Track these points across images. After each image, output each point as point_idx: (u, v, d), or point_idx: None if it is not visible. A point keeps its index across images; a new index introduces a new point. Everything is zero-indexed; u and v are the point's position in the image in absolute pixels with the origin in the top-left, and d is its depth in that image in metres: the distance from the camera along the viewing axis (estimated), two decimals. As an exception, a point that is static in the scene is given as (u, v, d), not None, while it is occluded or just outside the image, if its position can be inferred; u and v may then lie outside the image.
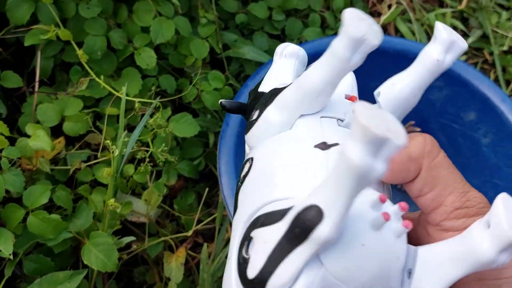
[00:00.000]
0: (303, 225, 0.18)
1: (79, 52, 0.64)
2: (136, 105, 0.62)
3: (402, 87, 0.30)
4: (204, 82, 0.75)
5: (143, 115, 0.69)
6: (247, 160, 0.27)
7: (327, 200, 0.18)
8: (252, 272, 0.21)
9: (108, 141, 0.57)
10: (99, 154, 0.66)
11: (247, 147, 0.31)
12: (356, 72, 0.75)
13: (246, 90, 0.66)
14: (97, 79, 0.64)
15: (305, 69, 0.28)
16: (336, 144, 0.24)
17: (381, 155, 0.16)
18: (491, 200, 0.22)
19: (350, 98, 0.29)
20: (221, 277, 0.67)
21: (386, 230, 0.21)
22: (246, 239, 0.22)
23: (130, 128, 0.70)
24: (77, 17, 0.66)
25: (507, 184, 0.72)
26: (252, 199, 0.24)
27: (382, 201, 0.22)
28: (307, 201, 0.19)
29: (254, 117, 0.28)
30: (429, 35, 0.92)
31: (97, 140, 0.68)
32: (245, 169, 0.26)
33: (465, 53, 0.97)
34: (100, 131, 0.66)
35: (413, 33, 0.90)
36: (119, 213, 0.64)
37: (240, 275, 0.22)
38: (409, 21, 0.93)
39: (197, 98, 0.75)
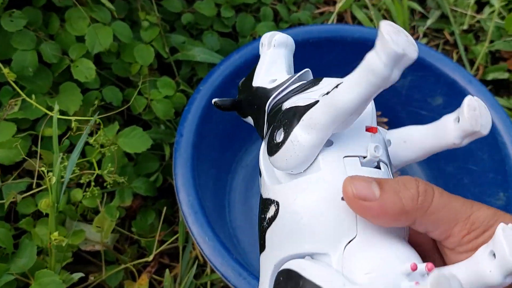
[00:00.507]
0: None
1: (5, 70, 0.57)
2: (73, 124, 0.55)
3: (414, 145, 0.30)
4: (153, 90, 0.69)
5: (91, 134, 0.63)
6: (272, 202, 0.27)
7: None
8: None
9: (43, 168, 0.51)
10: (41, 181, 0.59)
11: (263, 167, 0.29)
12: (315, 64, 0.68)
13: (198, 95, 0.61)
14: (27, 98, 0.57)
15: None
16: None
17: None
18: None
19: (370, 129, 0.28)
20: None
21: None
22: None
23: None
24: (0, 31, 0.59)
25: (481, 168, 0.69)
26: (282, 245, 0.25)
27: (413, 269, 0.22)
28: None
29: (279, 139, 0.27)
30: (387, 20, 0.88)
31: (34, 167, 0.61)
32: (271, 212, 0.26)
33: (425, 36, 0.94)
34: (41, 155, 0.60)
35: (371, 20, 0.87)
36: (69, 243, 0.58)
37: None
38: (366, 7, 0.89)
39: (147, 108, 0.69)
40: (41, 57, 0.62)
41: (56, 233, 0.51)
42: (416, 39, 0.92)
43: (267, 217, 0.27)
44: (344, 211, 0.24)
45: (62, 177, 0.54)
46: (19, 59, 0.60)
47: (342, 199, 0.24)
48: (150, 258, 0.59)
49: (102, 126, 0.57)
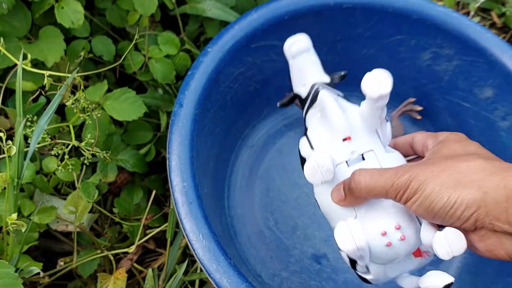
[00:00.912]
0: None
1: (-29, 3, 0.46)
2: (46, 80, 0.44)
3: None
4: (152, 46, 0.58)
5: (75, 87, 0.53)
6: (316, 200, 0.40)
7: None
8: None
9: (0, 134, 0.41)
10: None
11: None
12: (346, 34, 0.61)
13: (205, 59, 0.50)
14: (-5, 41, 0.46)
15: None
16: None
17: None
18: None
19: (345, 139, 0.38)
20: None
21: None
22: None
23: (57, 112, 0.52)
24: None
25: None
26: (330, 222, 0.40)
27: (383, 234, 0.34)
28: None
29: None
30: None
31: (6, 126, 0.51)
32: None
33: (468, 14, 0.82)
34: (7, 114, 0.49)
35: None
36: (36, 222, 0.48)
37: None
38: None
39: (144, 67, 0.58)
40: (19, -8, 0.51)
41: (14, 215, 0.41)
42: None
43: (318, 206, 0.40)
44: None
45: (28, 144, 0.44)
46: (-9, -9, 0.49)
47: None
48: (132, 248, 0.50)
49: (82, 85, 0.46)
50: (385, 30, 0.60)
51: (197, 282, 0.55)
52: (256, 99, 0.61)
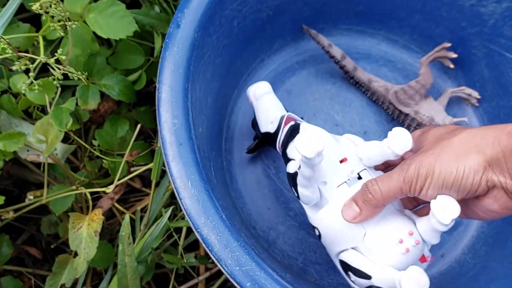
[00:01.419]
0: None
1: None
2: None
3: None
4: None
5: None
6: (314, 227, 0.40)
7: None
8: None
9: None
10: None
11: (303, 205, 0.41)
12: None
13: None
14: None
15: None
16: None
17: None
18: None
19: (342, 160, 0.39)
20: (157, 249, 0.47)
21: None
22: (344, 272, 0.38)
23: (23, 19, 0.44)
24: None
25: None
26: (331, 248, 0.39)
27: (400, 242, 0.35)
28: None
29: (296, 194, 0.39)
30: None
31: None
32: (317, 233, 0.40)
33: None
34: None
35: None
36: (2, 150, 0.41)
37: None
38: None
39: (139, -23, 0.49)
40: None
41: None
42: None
43: (317, 235, 0.40)
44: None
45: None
46: None
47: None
48: (110, 188, 0.43)
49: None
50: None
51: (184, 229, 0.49)
52: (268, 28, 0.53)
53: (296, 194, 0.38)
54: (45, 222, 0.51)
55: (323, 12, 0.56)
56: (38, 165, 0.48)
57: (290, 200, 0.51)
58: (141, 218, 0.49)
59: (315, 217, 0.39)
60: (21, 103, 0.43)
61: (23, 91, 0.41)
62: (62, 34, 0.38)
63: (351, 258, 0.36)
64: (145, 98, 0.53)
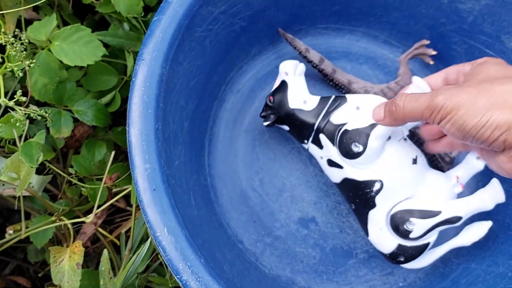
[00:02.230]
0: None
1: None
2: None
3: None
4: (115, -32, 0.46)
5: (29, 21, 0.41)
6: (375, 181, 0.42)
7: None
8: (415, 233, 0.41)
9: None
10: None
11: (342, 162, 0.44)
12: None
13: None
14: None
15: None
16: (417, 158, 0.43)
17: None
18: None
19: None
20: (143, 273, 0.46)
21: None
22: (402, 222, 0.42)
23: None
24: None
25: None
26: (390, 200, 0.42)
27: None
28: None
29: (359, 149, 0.41)
30: None
31: None
32: (377, 186, 0.42)
33: None
34: None
35: None
36: (-25, 189, 0.39)
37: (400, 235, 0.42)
38: None
39: (105, -5, 0.46)
40: None
41: None
42: None
43: (374, 190, 0.42)
44: (414, 169, 0.43)
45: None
46: None
47: (414, 161, 0.43)
48: (89, 218, 0.42)
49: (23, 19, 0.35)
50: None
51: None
52: (243, 38, 0.50)
53: (359, 150, 0.41)
54: (31, 250, 0.50)
55: (299, 15, 0.54)
56: (16, 197, 0.46)
57: (276, 212, 0.51)
58: (126, 240, 0.48)
59: (378, 169, 0.42)
60: (-9, 139, 0.41)
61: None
62: (27, 66, 0.36)
63: (412, 203, 0.41)
64: (121, 117, 0.51)
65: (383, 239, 0.44)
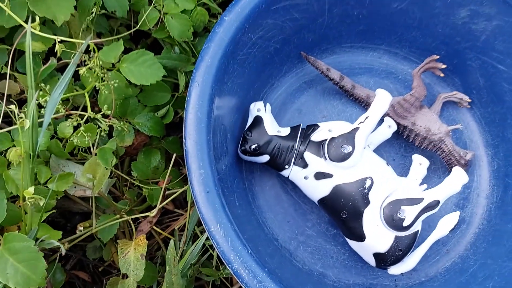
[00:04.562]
0: None
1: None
2: (57, 46, 0.39)
3: None
4: (168, 1, 0.51)
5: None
6: (366, 178, 0.47)
7: None
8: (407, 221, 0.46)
9: (12, 107, 0.36)
10: (21, 111, 0.44)
11: (331, 169, 0.48)
12: None
13: (221, 29, 0.43)
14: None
15: None
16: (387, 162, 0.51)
17: None
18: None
19: None
20: (195, 264, 0.50)
21: None
22: (395, 212, 0.46)
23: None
24: None
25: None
26: (382, 195, 0.47)
27: None
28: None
29: (349, 150, 0.47)
30: None
31: (16, 90, 0.46)
32: (368, 183, 0.47)
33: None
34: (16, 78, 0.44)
35: None
36: (54, 190, 0.45)
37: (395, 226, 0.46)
38: None
39: (160, 23, 0.51)
40: None
41: (31, 189, 0.38)
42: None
43: (367, 186, 0.47)
44: (390, 169, 0.50)
45: (42, 115, 0.39)
46: None
47: (387, 164, 0.50)
48: (153, 212, 0.47)
49: (96, 52, 0.41)
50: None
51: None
52: (276, 58, 0.55)
53: (348, 151, 0.46)
54: (90, 248, 0.55)
55: (326, 36, 0.58)
56: (83, 198, 0.52)
57: (307, 212, 0.54)
58: (179, 237, 0.52)
59: (366, 168, 0.47)
60: (68, 147, 0.47)
61: (71, 138, 0.44)
62: (102, 87, 0.41)
63: (400, 194, 0.46)
64: (172, 128, 0.56)
65: (381, 235, 0.46)
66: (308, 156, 0.48)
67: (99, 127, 0.45)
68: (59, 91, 0.37)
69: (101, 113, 0.42)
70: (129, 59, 0.46)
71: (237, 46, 0.44)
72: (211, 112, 0.39)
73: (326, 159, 0.48)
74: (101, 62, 0.42)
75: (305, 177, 0.49)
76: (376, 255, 0.47)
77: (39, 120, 0.39)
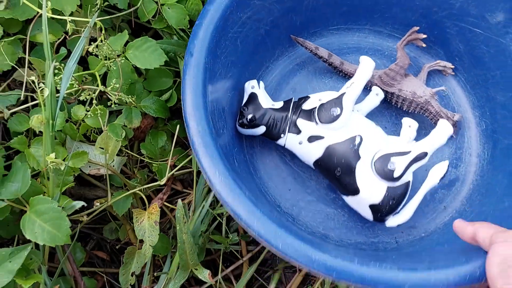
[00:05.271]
0: None
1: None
2: (69, 25, 0.44)
3: None
4: (164, -7, 0.56)
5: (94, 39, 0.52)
6: (355, 136, 0.51)
7: None
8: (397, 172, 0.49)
9: (33, 78, 0.41)
10: (35, 95, 0.50)
11: (322, 130, 0.52)
12: None
13: (211, 6, 0.48)
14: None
15: None
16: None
17: None
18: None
19: None
20: (205, 232, 0.54)
21: None
22: (386, 164, 0.49)
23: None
24: None
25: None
26: (372, 149, 0.51)
27: None
28: None
29: (338, 112, 0.51)
30: None
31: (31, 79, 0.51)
32: (357, 140, 0.51)
33: None
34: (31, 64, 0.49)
35: None
36: (70, 166, 0.49)
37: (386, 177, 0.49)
38: None
39: (158, 15, 0.57)
40: None
41: (52, 155, 0.43)
42: None
43: (356, 143, 0.51)
44: (379, 129, 0.54)
45: (58, 91, 0.44)
46: None
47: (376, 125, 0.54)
48: (163, 181, 0.51)
49: (103, 32, 0.46)
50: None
51: (224, 213, 0.56)
52: (268, 41, 0.60)
53: (338, 113, 0.50)
54: (106, 229, 0.59)
55: (313, 18, 0.62)
56: (97, 178, 0.56)
57: (306, 180, 0.58)
58: (189, 208, 0.56)
59: (354, 127, 0.51)
60: (82, 128, 0.51)
61: (84, 118, 0.49)
62: (114, 68, 0.46)
63: (390, 149, 0.50)
64: (176, 113, 0.60)
65: (374, 187, 0.50)
66: (301, 122, 0.52)
67: (109, 106, 0.50)
68: (73, 61, 0.42)
69: (111, 87, 0.47)
70: (134, 45, 0.52)
71: (227, 23, 0.49)
72: (206, 79, 0.44)
73: (317, 123, 0.52)
74: (108, 42, 0.47)
75: (300, 142, 0.53)
76: (372, 207, 0.51)
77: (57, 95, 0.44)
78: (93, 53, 0.49)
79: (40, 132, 0.49)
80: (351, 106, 0.51)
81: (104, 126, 0.50)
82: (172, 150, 0.55)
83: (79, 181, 0.57)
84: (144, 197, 0.53)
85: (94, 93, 0.48)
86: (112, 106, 0.49)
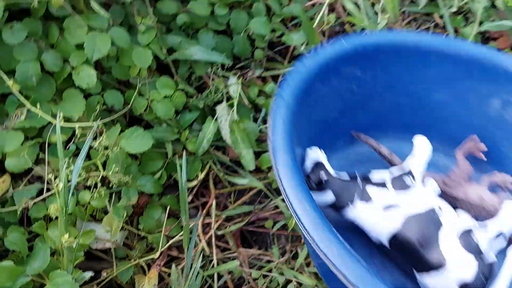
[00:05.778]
0: None
1: (10, 82, 0.57)
2: (77, 130, 0.55)
3: None
4: (153, 91, 0.69)
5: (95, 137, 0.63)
6: (435, 206, 0.53)
7: None
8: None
9: (50, 174, 0.51)
10: (51, 186, 0.59)
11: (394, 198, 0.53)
12: (415, 81, 0.65)
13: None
14: (32, 108, 0.57)
15: None
16: None
17: None
18: None
19: None
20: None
21: None
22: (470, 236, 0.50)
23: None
24: (2, 44, 0.59)
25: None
26: (454, 218, 0.52)
27: None
28: None
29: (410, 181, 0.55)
30: (374, 8, 0.85)
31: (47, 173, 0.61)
32: (437, 209, 0.53)
33: (415, 20, 0.92)
34: (49, 162, 0.60)
35: (359, 8, 0.84)
36: (80, 243, 0.58)
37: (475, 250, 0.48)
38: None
39: (148, 108, 0.68)
40: (43, 66, 0.61)
41: (66, 235, 0.52)
42: (407, 23, 0.90)
43: (436, 211, 0.52)
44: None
45: (70, 181, 0.54)
46: (22, 69, 0.60)
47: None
48: (157, 254, 0.60)
49: (104, 130, 0.57)
50: (457, 75, 0.62)
51: (215, 275, 0.64)
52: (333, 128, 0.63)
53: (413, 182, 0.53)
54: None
55: (376, 122, 0.66)
56: (103, 251, 0.64)
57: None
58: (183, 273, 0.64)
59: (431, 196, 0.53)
60: (89, 210, 0.61)
61: (89, 201, 0.58)
62: (112, 156, 0.57)
63: (469, 223, 0.51)
64: (168, 189, 0.70)
65: (463, 259, 0.47)
66: (371, 190, 0.52)
67: (110, 187, 0.59)
68: (81, 158, 0.52)
69: (111, 171, 0.57)
70: (125, 135, 0.62)
71: (306, 97, 0.53)
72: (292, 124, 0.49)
73: (389, 189, 0.52)
74: (105, 136, 0.58)
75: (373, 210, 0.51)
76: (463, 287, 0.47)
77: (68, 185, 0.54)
78: (95, 148, 0.59)
79: (56, 217, 0.58)
80: (422, 174, 0.54)
81: (108, 205, 0.59)
82: (165, 221, 0.64)
83: (88, 256, 0.65)
84: (144, 265, 0.62)
85: (98, 178, 0.58)
86: (113, 187, 0.58)
